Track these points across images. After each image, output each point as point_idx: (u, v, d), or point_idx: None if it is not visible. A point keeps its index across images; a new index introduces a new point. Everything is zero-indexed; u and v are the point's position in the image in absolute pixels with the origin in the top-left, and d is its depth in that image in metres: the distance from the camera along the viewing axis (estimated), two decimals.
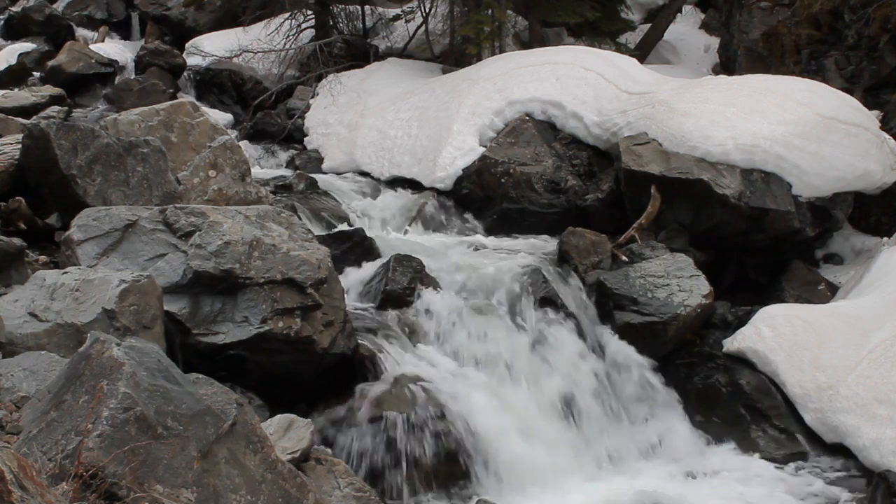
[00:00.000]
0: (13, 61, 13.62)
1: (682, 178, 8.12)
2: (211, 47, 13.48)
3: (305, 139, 11.39)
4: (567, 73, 9.60)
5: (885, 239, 8.20)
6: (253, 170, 8.08)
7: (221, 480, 3.30)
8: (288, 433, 4.52)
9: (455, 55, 12.37)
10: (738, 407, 6.65)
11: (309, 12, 13.41)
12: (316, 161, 10.76)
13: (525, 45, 12.74)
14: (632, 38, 14.41)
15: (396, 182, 9.72)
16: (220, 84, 13.37)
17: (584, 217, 8.72)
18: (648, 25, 14.99)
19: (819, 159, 8.19)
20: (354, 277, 7.06)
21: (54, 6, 16.25)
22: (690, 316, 6.99)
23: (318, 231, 7.82)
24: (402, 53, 13.37)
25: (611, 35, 13.47)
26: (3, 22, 15.60)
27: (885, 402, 5.99)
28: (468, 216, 9.18)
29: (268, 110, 12.15)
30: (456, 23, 12.47)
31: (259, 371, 5.45)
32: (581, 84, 9.45)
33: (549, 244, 8.18)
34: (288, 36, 13.02)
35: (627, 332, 6.96)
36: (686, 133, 8.29)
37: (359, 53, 13.19)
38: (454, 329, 6.52)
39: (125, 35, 16.70)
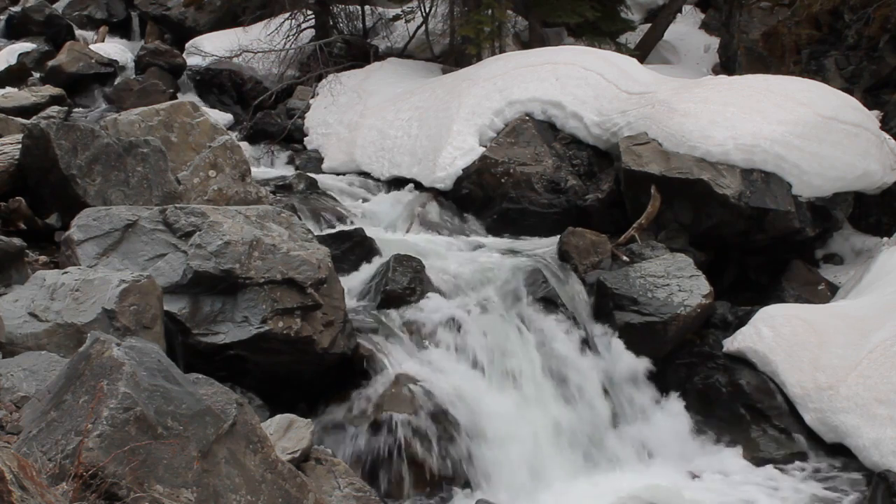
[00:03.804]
0: (13, 61, 13.60)
1: (682, 178, 8.11)
2: (211, 47, 13.47)
3: (305, 139, 11.39)
4: (567, 73, 9.59)
5: (885, 239, 8.20)
6: (253, 170, 8.08)
7: (221, 480, 3.30)
8: (288, 433, 4.52)
9: (455, 55, 12.36)
10: (738, 407, 6.66)
11: (309, 12, 13.41)
12: (316, 161, 10.76)
13: (525, 45, 12.73)
14: (632, 38, 14.40)
15: (396, 182, 9.71)
16: (220, 84, 13.35)
17: (584, 217, 8.71)
18: (648, 25, 14.98)
19: (819, 159, 8.19)
20: (354, 277, 7.06)
21: (54, 6, 16.23)
22: (690, 316, 7.00)
23: (318, 231, 7.82)
24: (402, 53, 13.37)
25: (611, 35, 13.46)
26: (3, 22, 15.57)
27: (885, 402, 5.99)
28: (468, 216, 9.17)
29: (268, 110, 12.13)
30: (456, 23, 12.46)
31: (259, 371, 5.45)
32: (581, 84, 9.45)
33: (549, 244, 8.18)
34: (288, 36, 13.02)
35: (627, 332, 6.96)
36: (686, 133, 8.29)
37: (359, 53, 13.18)
38: (454, 329, 6.52)
39: (125, 35, 16.69)
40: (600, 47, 12.01)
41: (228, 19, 15.15)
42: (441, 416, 5.80)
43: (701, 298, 7.08)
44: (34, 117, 9.20)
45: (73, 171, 6.24)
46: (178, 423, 3.24)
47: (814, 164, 8.17)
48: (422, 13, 13.41)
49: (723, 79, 10.14)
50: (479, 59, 11.32)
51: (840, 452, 6.18)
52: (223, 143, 7.36)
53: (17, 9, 15.70)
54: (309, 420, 4.75)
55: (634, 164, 8.35)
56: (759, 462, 6.34)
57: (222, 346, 5.29)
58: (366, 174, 10.07)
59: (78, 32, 15.54)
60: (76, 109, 11.53)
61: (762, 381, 6.66)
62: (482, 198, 9.16)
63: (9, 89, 11.70)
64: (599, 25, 13.13)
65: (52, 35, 14.98)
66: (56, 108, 10.28)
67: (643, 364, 6.88)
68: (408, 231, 8.79)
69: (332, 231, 8.01)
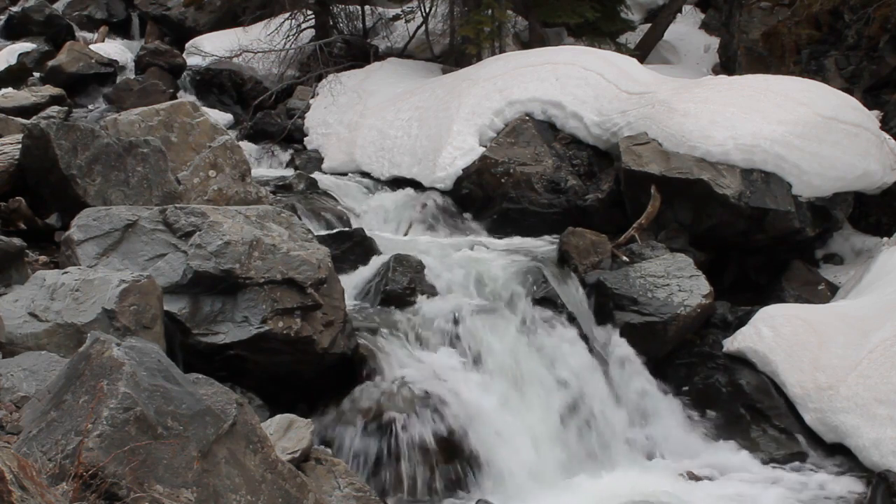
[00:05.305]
0: (13, 61, 13.61)
1: (682, 178, 8.12)
2: (211, 47, 13.47)
3: (305, 139, 11.40)
4: (567, 73, 9.60)
5: (885, 239, 8.20)
6: (253, 170, 8.08)
7: (221, 480, 3.30)
8: (288, 433, 4.53)
9: (455, 55, 12.37)
10: (738, 407, 6.66)
11: (309, 12, 13.42)
12: (316, 161, 10.76)
13: (525, 45, 12.74)
14: (632, 38, 14.41)
15: (396, 182, 9.71)
16: (220, 84, 13.36)
17: (584, 217, 8.71)
18: (648, 25, 15.00)
19: (819, 159, 8.19)
20: (354, 277, 7.06)
21: (54, 6, 16.24)
22: (690, 316, 7.00)
23: (318, 231, 7.82)
24: (402, 53, 13.38)
25: (611, 35, 13.47)
26: (3, 22, 15.58)
27: (885, 402, 5.99)
28: (468, 216, 9.18)
29: (268, 110, 12.14)
30: (456, 23, 12.47)
31: (259, 371, 5.45)
32: (581, 84, 9.45)
33: (549, 244, 8.18)
34: (288, 36, 13.03)
35: (627, 332, 6.96)
36: (686, 133, 8.29)
37: (359, 53, 13.19)
38: (454, 329, 6.51)
39: (125, 35, 16.69)
40: (600, 47, 12.02)
41: (228, 19, 15.16)
42: (441, 416, 5.79)
43: (701, 298, 7.08)
44: (34, 117, 9.21)
45: (73, 171, 6.23)
46: (178, 423, 3.24)
47: (814, 164, 8.17)
48: (422, 13, 13.42)
49: (723, 79, 10.14)
50: (479, 59, 11.33)
51: (840, 452, 6.17)
52: (223, 143, 7.36)
53: (17, 9, 15.70)
54: (309, 420, 4.75)
55: (634, 164, 8.35)
56: (759, 462, 6.34)
57: (222, 346, 5.28)
58: (366, 174, 10.07)
59: (78, 33, 15.55)
60: (76, 109, 11.54)
61: (762, 381, 6.67)
62: (482, 198, 9.17)
63: (9, 89, 11.71)
64: (599, 25, 13.14)
65: (52, 35, 14.99)
66: (56, 108, 10.29)
67: (643, 364, 6.88)
68: (408, 231, 8.80)
69: (332, 231, 8.02)
